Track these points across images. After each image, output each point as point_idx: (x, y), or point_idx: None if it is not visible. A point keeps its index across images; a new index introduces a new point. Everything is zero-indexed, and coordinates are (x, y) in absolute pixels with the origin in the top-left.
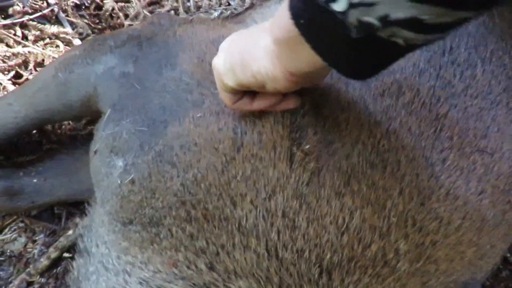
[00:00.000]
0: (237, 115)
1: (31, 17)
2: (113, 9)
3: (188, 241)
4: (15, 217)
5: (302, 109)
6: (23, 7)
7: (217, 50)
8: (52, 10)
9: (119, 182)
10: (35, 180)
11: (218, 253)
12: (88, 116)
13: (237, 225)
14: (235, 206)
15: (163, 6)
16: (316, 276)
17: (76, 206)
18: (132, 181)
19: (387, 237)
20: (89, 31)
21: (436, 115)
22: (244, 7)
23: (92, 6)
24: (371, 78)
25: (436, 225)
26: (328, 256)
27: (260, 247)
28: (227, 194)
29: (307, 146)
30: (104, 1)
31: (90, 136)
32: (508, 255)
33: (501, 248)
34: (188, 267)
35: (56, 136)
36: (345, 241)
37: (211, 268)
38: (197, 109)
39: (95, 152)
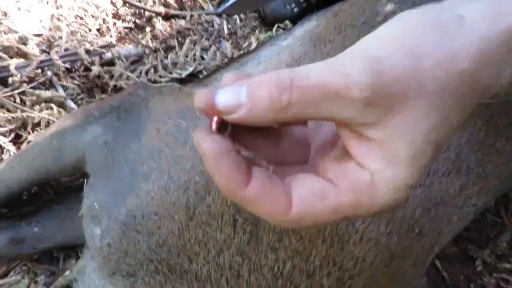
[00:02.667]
0: (182, 190)
1: (30, 86)
2: (99, 72)
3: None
4: (18, 261)
5: None
6: (21, 77)
7: (180, 121)
8: (46, 75)
9: (100, 245)
10: (36, 229)
11: None
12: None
13: (194, 276)
14: (191, 262)
15: (144, 63)
16: None
17: (72, 249)
18: (109, 245)
19: (313, 277)
20: (79, 91)
21: None
22: (215, 64)
23: (81, 69)
24: None
25: (353, 263)
26: None
27: None
28: (184, 253)
29: (246, 213)
30: (92, 67)
31: (82, 187)
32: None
33: (413, 273)
34: None
35: (53, 189)
36: (279, 284)
37: None
38: (147, 182)
39: (82, 217)
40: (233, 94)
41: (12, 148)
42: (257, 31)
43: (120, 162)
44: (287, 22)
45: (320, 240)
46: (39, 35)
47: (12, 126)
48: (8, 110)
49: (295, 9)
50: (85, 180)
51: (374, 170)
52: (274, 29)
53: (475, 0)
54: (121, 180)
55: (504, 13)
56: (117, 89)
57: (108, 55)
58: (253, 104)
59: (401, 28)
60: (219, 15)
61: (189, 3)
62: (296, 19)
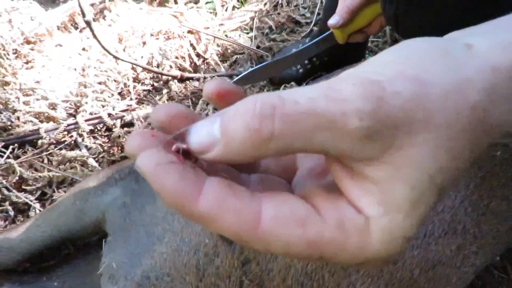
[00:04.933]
0: (192, 252)
1: (57, 148)
2: (120, 133)
3: None
4: None
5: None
6: (49, 139)
7: None
8: (71, 136)
9: None
10: (55, 284)
11: None
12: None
13: None
14: None
15: None
16: None
17: None
18: None
19: None
20: (101, 150)
21: None
22: None
23: (103, 129)
24: None
25: None
26: None
27: None
28: None
29: (252, 275)
30: (113, 129)
31: (100, 242)
32: None
33: None
34: None
35: (72, 244)
36: None
37: None
38: (161, 243)
39: (100, 275)
40: (206, 130)
41: (37, 205)
42: (265, 90)
43: (137, 223)
44: (292, 83)
45: None
46: (67, 101)
47: (39, 185)
48: (36, 170)
49: (300, 70)
50: (103, 240)
51: (369, 216)
52: (281, 89)
53: (481, 32)
54: (137, 242)
55: None
56: None
57: (128, 117)
58: (227, 140)
59: (404, 54)
60: (230, 77)
61: (202, 66)
62: (301, 80)
